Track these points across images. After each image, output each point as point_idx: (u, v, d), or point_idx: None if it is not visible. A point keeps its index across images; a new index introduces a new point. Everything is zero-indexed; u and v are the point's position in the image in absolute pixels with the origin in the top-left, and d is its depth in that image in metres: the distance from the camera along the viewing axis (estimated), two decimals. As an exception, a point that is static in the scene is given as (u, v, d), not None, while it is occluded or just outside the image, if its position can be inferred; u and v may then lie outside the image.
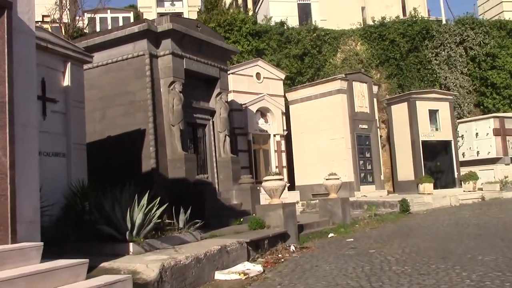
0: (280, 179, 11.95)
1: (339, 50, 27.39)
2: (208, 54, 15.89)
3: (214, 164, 16.17)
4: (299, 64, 25.94)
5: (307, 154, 22.77)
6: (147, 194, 8.03)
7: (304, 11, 32.36)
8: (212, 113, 16.38)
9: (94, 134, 15.03)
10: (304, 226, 13.20)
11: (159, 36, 14.52)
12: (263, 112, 21.76)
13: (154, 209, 7.88)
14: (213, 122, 16.41)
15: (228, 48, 16.80)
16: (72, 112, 10.63)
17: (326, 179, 14.91)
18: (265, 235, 10.30)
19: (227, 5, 28.51)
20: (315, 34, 26.51)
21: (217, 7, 26.12)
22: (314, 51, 26.45)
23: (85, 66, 15.37)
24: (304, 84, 23.51)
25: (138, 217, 7.59)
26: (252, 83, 21.52)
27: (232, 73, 20.73)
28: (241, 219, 13.49)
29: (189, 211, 9.43)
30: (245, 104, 20.74)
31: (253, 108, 21.03)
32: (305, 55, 26.33)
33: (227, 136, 16.37)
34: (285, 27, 26.86)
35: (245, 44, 25.04)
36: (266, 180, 11.92)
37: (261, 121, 21.69)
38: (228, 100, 17.09)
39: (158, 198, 8.77)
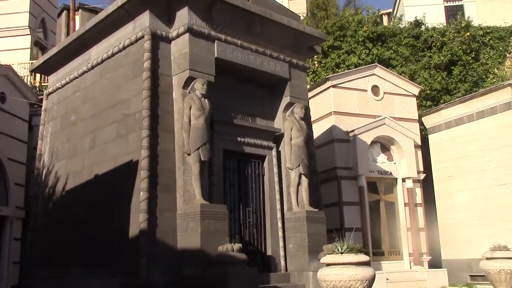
0: (363, 263, 5.28)
1: (508, 55, 19.43)
2: (267, 38, 10.03)
3: (279, 224, 9.83)
4: (444, 77, 18.62)
5: (459, 210, 15.13)
6: None
7: (453, 15, 24.97)
8: (276, 138, 10.26)
9: (82, 172, 9.94)
10: None
11: (172, 4, 9.11)
12: (384, 145, 14.92)
13: None
14: (278, 152, 10.23)
15: (305, 30, 10.71)
16: None
17: (487, 258, 7.64)
18: None
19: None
20: (468, 34, 19.07)
21: (326, 11, 20.26)
22: (467, 58, 18.97)
23: (80, 70, 10.70)
24: (451, 102, 16.12)
25: None
26: (366, 101, 14.97)
27: (333, 86, 14.55)
28: None
29: None
30: (354, 131, 14.18)
31: (367, 138, 14.36)
32: (453, 65, 18.98)
33: (303, 176, 10.04)
34: (423, 28, 19.88)
35: (363, 53, 18.66)
36: (327, 264, 5.34)
37: (381, 158, 14.82)
38: (307, 115, 10.76)
39: None
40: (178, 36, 8.99)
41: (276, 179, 10.02)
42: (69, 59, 11.03)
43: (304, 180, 10.10)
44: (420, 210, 14.90)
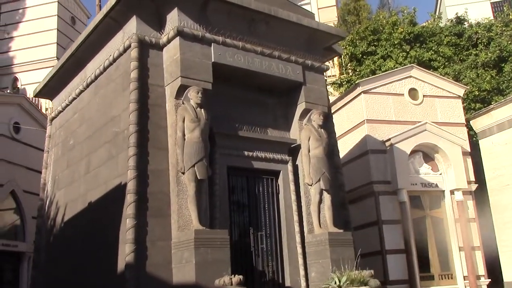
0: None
1: None
2: (275, 39, 8.93)
3: (299, 249, 8.54)
4: (494, 76, 16.86)
5: (520, 224, 13.23)
6: None
7: (501, 11, 23.03)
8: (292, 150, 9.05)
9: (77, 200, 9.11)
10: None
11: (161, 7, 8.22)
12: (426, 153, 13.42)
13: None
14: (295, 166, 9.00)
15: (319, 28, 9.52)
16: None
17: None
18: None
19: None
20: (518, 26, 17.31)
21: (358, 16, 18.98)
22: (519, 53, 17.13)
23: (77, 90, 9.96)
24: (501, 101, 14.36)
25: None
26: (403, 106, 13.57)
27: (364, 92, 13.28)
28: None
29: None
30: (391, 140, 12.78)
31: (407, 147, 12.92)
32: (503, 62, 17.22)
33: (325, 192, 8.75)
34: (466, 25, 18.25)
35: (400, 57, 17.20)
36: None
37: (424, 169, 13.31)
38: (328, 122, 9.50)
39: None
40: (168, 41, 8.05)
41: (293, 197, 8.76)
42: (68, 80, 10.33)
43: (327, 197, 8.79)
44: (474, 226, 13.19)
